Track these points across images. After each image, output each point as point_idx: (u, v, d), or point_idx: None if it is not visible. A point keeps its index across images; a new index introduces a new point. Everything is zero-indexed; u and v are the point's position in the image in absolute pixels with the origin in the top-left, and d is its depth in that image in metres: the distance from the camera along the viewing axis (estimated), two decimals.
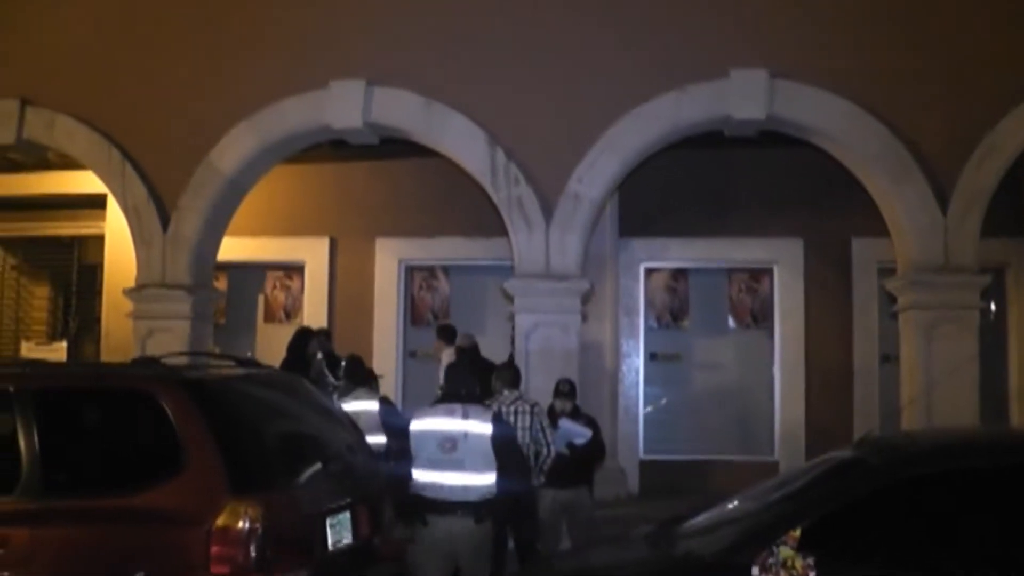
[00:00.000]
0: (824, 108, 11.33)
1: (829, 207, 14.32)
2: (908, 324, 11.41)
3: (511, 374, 9.96)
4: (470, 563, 7.73)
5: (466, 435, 7.66)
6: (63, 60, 12.90)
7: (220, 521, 6.02)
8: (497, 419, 8.14)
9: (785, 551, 5.16)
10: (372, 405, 10.94)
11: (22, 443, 6.56)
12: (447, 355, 12.50)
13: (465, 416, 7.72)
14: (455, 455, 7.58)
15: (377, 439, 10.22)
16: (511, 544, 9.50)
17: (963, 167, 11.10)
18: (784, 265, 14.86)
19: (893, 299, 11.95)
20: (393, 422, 10.28)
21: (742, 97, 11.38)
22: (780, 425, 14.76)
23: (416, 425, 7.73)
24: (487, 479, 7.63)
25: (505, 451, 7.83)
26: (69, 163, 13.86)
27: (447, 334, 13.16)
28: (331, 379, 12.29)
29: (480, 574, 7.87)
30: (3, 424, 6.74)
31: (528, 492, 9.19)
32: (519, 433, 9.15)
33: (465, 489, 7.57)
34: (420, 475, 7.64)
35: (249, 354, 13.48)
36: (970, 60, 11.25)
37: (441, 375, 11.71)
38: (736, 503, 6.42)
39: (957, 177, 11.10)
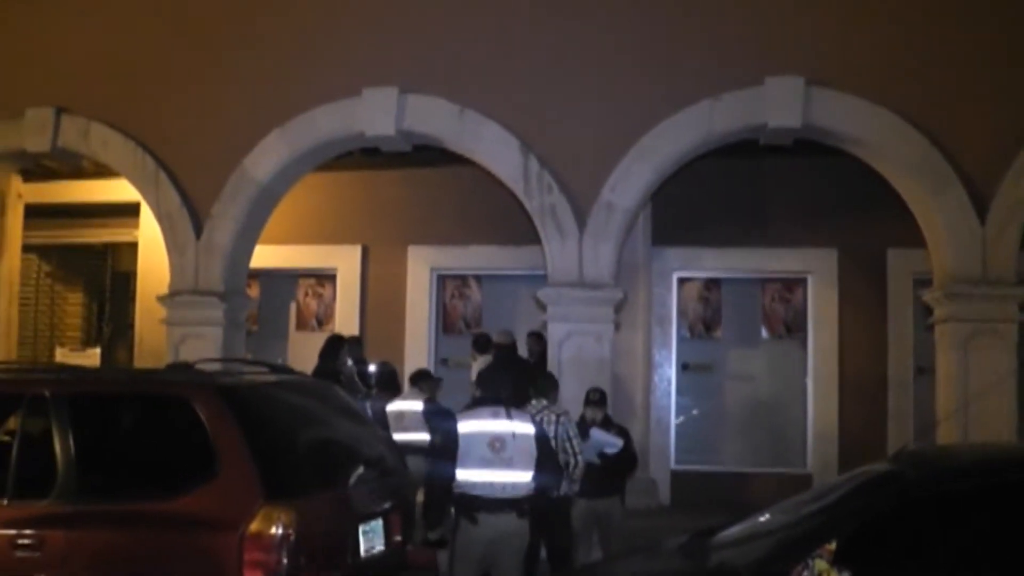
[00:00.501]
0: (861, 116, 11.23)
1: (864, 217, 14.21)
2: (944, 336, 11.28)
3: (544, 383, 9.94)
4: (510, 560, 7.94)
5: (514, 435, 7.91)
6: (98, 69, 12.98)
7: (253, 526, 6.02)
8: (534, 420, 8.52)
9: (820, 564, 5.11)
10: (416, 404, 11.27)
11: (57, 447, 6.61)
12: (477, 363, 12.53)
13: (510, 417, 7.97)
14: (505, 454, 7.80)
15: (421, 436, 10.69)
16: (543, 553, 9.48)
17: (1003, 177, 10.96)
18: (818, 275, 14.77)
19: (929, 311, 11.81)
20: (439, 421, 10.33)
21: (777, 105, 11.30)
22: (813, 437, 14.66)
23: (464, 427, 7.89)
24: (529, 476, 7.88)
25: (545, 450, 8.13)
26: (103, 171, 13.96)
27: (479, 343, 13.19)
28: (362, 386, 12.32)
29: (516, 572, 8.08)
30: (39, 428, 6.80)
31: (561, 500, 9.21)
32: None
33: (514, 486, 7.81)
34: (471, 475, 7.79)
35: (281, 361, 13.50)
36: (1010, 70, 11.14)
37: (473, 380, 11.85)
38: (770, 515, 6.36)
39: (996, 187, 10.97)
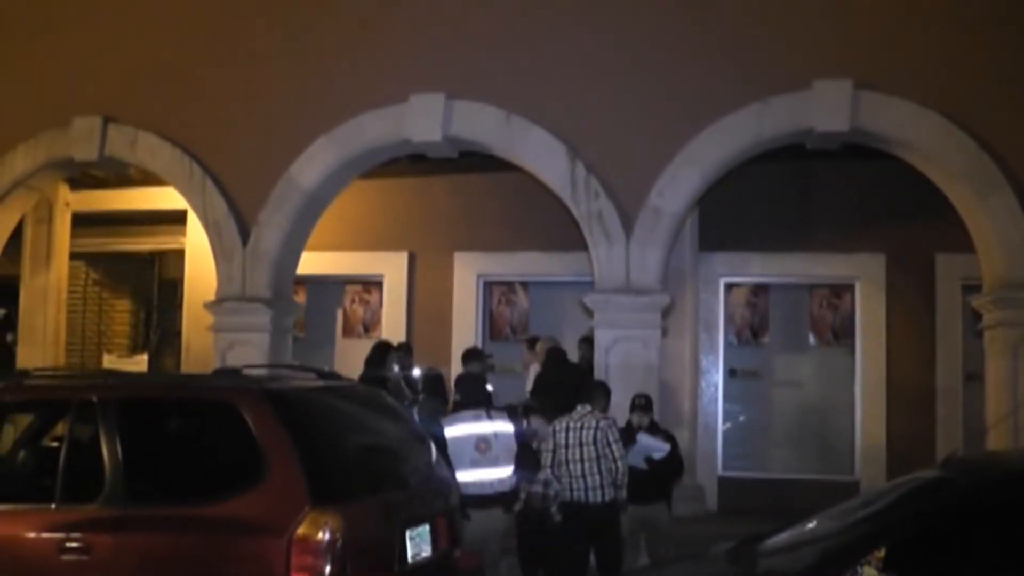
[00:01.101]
0: (910, 120, 11.13)
1: (913, 222, 14.09)
2: (994, 342, 11.16)
3: (590, 390, 9.97)
4: (497, 550, 8.89)
5: (496, 434, 8.86)
6: (145, 78, 13.10)
7: (300, 531, 6.04)
8: (512, 416, 9.47)
9: (869, 571, 5.06)
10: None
11: (105, 452, 6.67)
12: (534, 367, 12.59)
13: (491, 418, 8.94)
14: (491, 453, 8.73)
15: None
16: (592, 560, 9.48)
17: None
18: (866, 281, 14.66)
19: (978, 316, 11.70)
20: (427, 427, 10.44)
21: (825, 109, 11.22)
22: (861, 444, 14.53)
23: (451, 431, 8.49)
24: (511, 471, 8.88)
25: (523, 445, 9.14)
26: (150, 179, 14.09)
27: (530, 343, 13.24)
28: (408, 392, 12.32)
29: (498, 559, 9.08)
30: (87, 433, 6.86)
31: (610, 507, 9.25)
32: (576, 448, 9.32)
33: (501, 482, 8.72)
34: (463, 475, 8.58)
35: (327, 367, 13.53)
36: None
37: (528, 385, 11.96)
38: (818, 522, 6.31)
39: None
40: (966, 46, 11.18)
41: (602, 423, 9.42)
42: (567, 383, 10.82)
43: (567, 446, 9.27)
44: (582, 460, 9.24)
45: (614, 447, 9.34)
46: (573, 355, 13.19)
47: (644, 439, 10.02)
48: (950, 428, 13.99)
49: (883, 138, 11.42)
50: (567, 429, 9.35)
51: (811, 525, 6.31)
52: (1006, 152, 10.95)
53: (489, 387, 12.04)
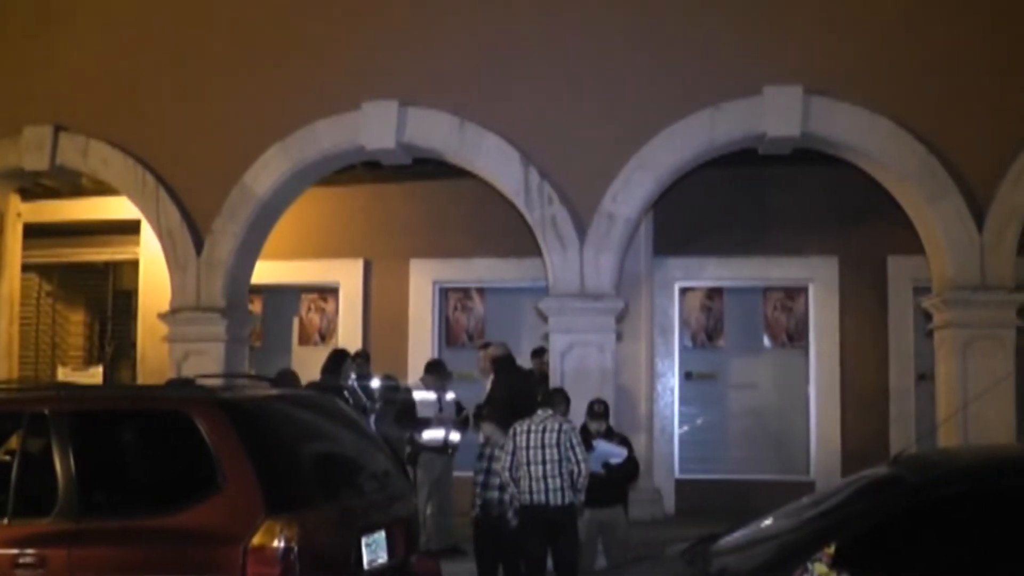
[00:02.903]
0: (860, 125, 11.27)
1: (864, 225, 14.27)
2: (944, 342, 11.32)
3: (554, 396, 10.01)
4: None
5: None
6: (96, 86, 13.04)
7: (256, 540, 6.03)
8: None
9: (820, 568, 5.11)
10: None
11: (58, 465, 6.61)
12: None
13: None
14: None
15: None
16: (550, 563, 9.51)
17: (999, 184, 11.00)
18: (819, 283, 14.80)
19: (929, 317, 11.85)
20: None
21: (776, 114, 11.33)
22: (816, 444, 14.68)
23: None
24: None
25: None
26: (103, 188, 14.01)
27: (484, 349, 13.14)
28: (365, 401, 12.33)
29: None
30: (39, 447, 6.81)
31: (568, 510, 9.27)
32: (538, 450, 9.29)
33: None
34: None
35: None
36: (1008, 78, 11.18)
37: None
38: (771, 520, 6.37)
39: (993, 194, 11.01)
40: (915, 51, 11.33)
41: (564, 426, 9.44)
42: (515, 389, 10.88)
43: (528, 448, 9.29)
44: (544, 462, 9.25)
45: (577, 450, 9.36)
46: (527, 362, 13.21)
47: (602, 445, 10.07)
48: (903, 427, 14.15)
49: (834, 143, 11.55)
50: (528, 431, 9.36)
51: (764, 524, 6.36)
52: (954, 156, 11.11)
53: (451, 395, 12.16)
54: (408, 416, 12.01)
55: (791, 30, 11.56)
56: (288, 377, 11.62)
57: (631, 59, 11.85)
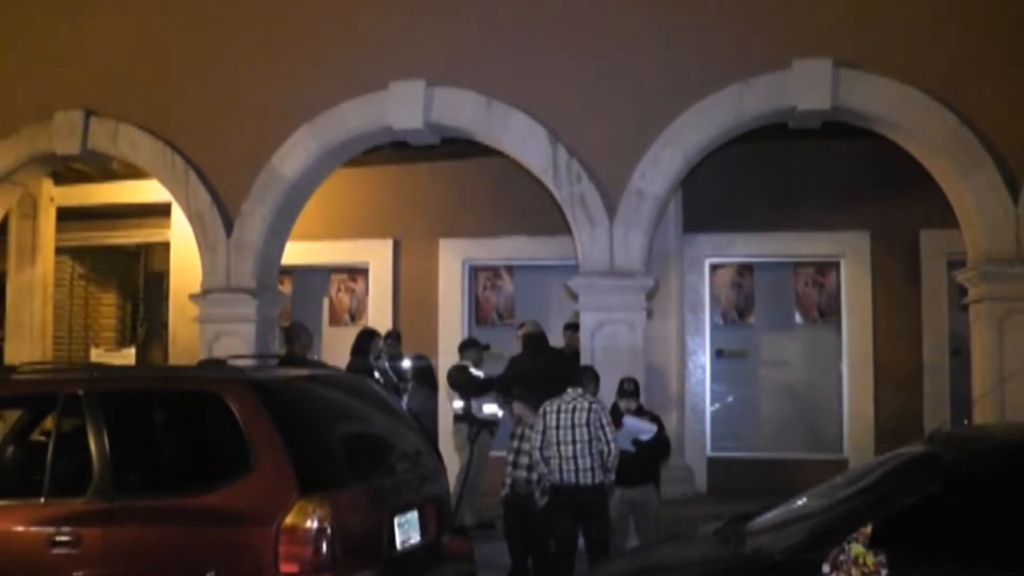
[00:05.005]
0: (891, 97, 11.12)
1: (896, 198, 14.11)
2: (979, 317, 11.17)
3: (583, 375, 9.98)
4: None
5: None
6: (125, 70, 13.07)
7: (288, 520, 6.06)
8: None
9: (856, 548, 5.08)
10: None
11: (92, 445, 6.68)
12: None
13: None
14: None
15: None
16: (581, 542, 9.50)
17: None
18: (851, 258, 14.67)
19: (963, 291, 11.71)
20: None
21: (806, 87, 11.20)
22: (848, 421, 14.57)
23: None
24: None
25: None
26: (133, 172, 14.04)
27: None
28: (396, 380, 12.34)
29: None
30: (73, 427, 6.86)
31: (599, 489, 9.26)
32: (568, 430, 9.31)
33: None
34: None
35: (315, 356, 13.53)
36: None
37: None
38: (805, 500, 6.34)
39: None
40: (946, 21, 11.17)
41: (595, 406, 9.43)
42: (542, 369, 10.89)
43: (558, 427, 9.28)
44: (574, 442, 9.24)
45: (607, 430, 9.35)
46: (558, 339, 13.18)
47: (631, 421, 10.05)
48: (937, 403, 13.99)
49: (864, 115, 11.41)
50: (558, 411, 9.36)
51: (798, 503, 6.34)
52: (987, 127, 10.93)
53: (480, 373, 12.14)
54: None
55: (819, 2, 11.44)
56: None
57: (658, 35, 11.76)
